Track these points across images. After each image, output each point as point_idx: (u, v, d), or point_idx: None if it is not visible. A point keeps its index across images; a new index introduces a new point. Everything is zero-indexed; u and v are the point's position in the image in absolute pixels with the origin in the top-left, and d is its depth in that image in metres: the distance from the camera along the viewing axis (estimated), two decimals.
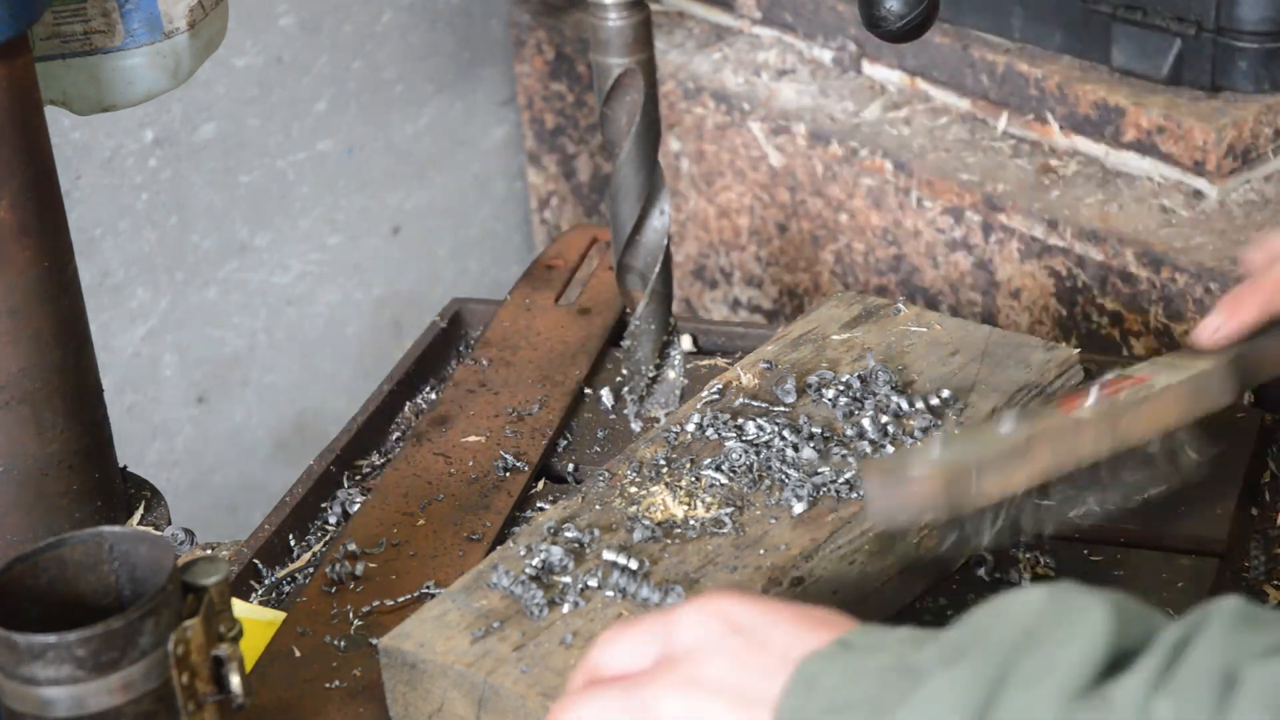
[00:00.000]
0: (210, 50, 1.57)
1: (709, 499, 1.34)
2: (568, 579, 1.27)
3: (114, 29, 1.49)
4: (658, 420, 1.58)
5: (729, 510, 1.33)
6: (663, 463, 1.38)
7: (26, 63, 1.40)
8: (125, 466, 1.60)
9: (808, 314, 1.56)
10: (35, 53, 1.46)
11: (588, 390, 1.64)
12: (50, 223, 1.44)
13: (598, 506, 1.35)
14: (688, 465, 1.37)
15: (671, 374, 1.61)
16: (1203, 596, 1.35)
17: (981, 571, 1.39)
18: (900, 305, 1.54)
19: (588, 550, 1.30)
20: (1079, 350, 1.48)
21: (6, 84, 1.38)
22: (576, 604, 1.25)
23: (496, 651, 1.22)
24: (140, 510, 1.58)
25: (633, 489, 1.36)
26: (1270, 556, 1.43)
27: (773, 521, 1.32)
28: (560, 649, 1.22)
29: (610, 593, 1.26)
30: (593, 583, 1.26)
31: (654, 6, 2.50)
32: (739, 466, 1.37)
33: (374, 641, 1.34)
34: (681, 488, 1.36)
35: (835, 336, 1.52)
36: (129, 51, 1.51)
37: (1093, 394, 1.30)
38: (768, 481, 1.35)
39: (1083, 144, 2.14)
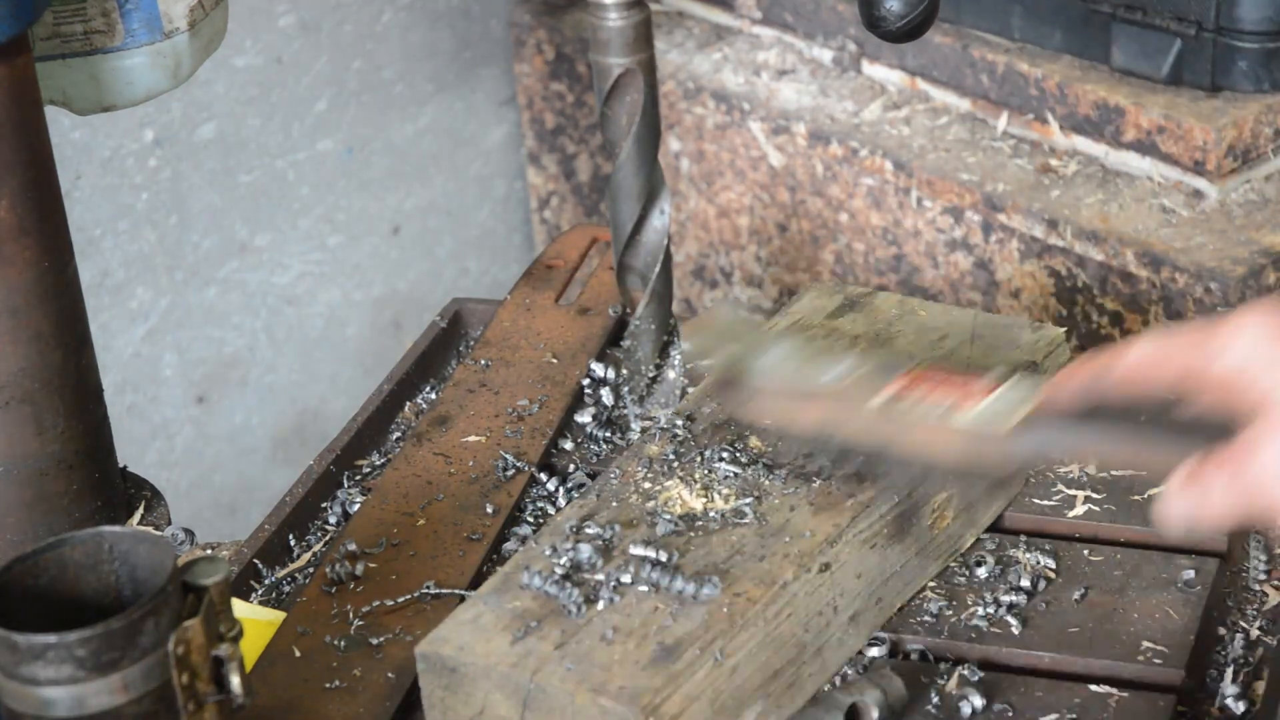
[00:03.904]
0: (210, 50, 1.57)
1: (725, 490, 1.35)
2: (600, 576, 1.28)
3: (114, 29, 1.49)
4: (658, 420, 1.58)
5: (748, 500, 1.34)
6: (672, 457, 1.39)
7: (26, 62, 1.40)
8: (125, 466, 1.60)
9: (789, 306, 1.56)
10: (35, 53, 1.46)
11: (588, 391, 1.64)
12: (50, 223, 1.44)
13: (614, 503, 1.35)
14: (698, 459, 1.38)
15: (671, 374, 1.61)
16: (1203, 597, 1.35)
17: (981, 571, 1.39)
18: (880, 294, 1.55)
19: (613, 547, 1.31)
20: (1065, 329, 1.49)
21: (6, 84, 1.38)
22: (612, 600, 1.25)
23: (539, 651, 1.22)
24: (140, 510, 1.58)
25: (646, 484, 1.36)
26: (1270, 556, 1.43)
27: (792, 510, 1.32)
28: (602, 645, 1.22)
29: (644, 587, 1.26)
30: (625, 578, 1.27)
31: (654, 6, 2.50)
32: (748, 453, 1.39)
33: (374, 641, 1.34)
34: (696, 481, 1.36)
35: (822, 325, 1.52)
36: (129, 51, 1.51)
37: (894, 384, 1.30)
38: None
39: (1083, 144, 2.14)
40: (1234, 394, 1.11)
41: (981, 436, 1.24)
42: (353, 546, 1.44)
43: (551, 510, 1.50)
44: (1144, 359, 1.16)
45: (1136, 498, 1.45)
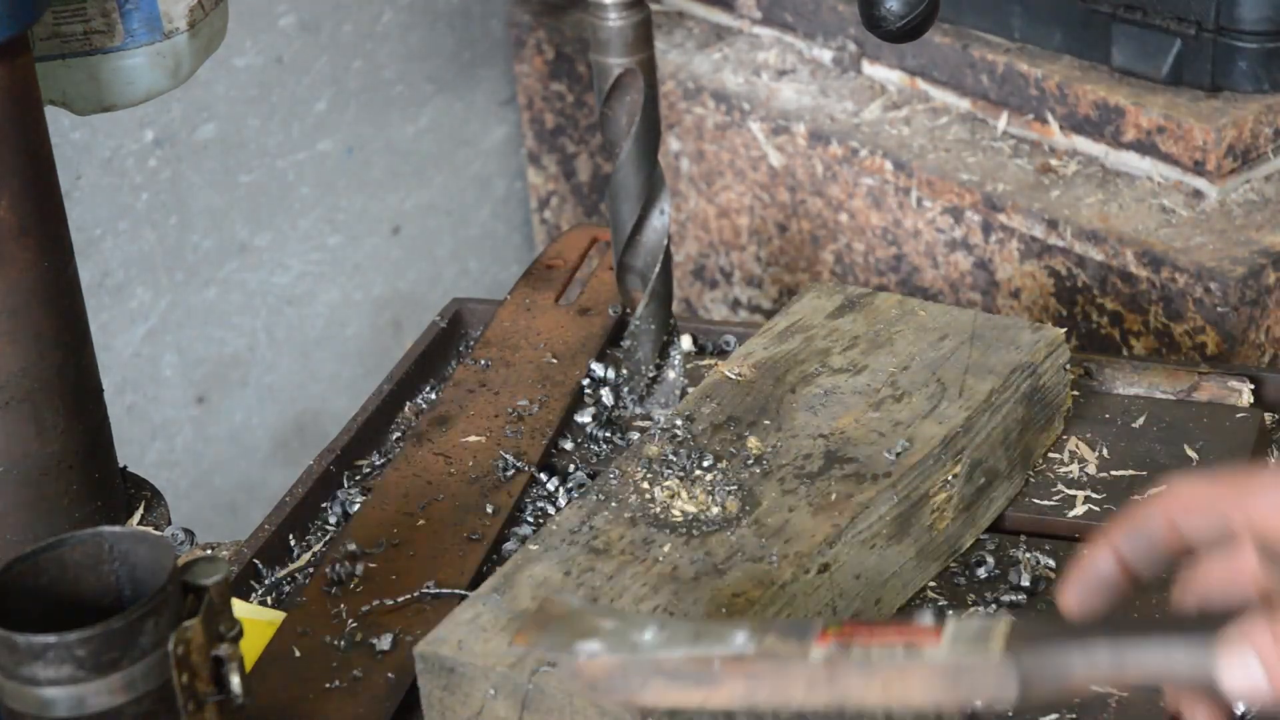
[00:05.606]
0: (210, 50, 1.57)
1: (724, 491, 1.35)
2: (599, 578, 1.28)
3: (114, 29, 1.49)
4: (658, 420, 1.58)
5: (744, 504, 1.34)
6: (672, 458, 1.39)
7: (26, 63, 1.40)
8: (125, 466, 1.60)
9: (789, 306, 1.56)
10: (35, 53, 1.46)
11: (588, 391, 1.64)
12: (50, 223, 1.44)
13: (614, 504, 1.35)
14: (698, 459, 1.38)
15: (671, 374, 1.61)
16: None
17: (981, 571, 1.39)
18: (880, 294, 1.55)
19: (612, 547, 1.31)
20: (1065, 329, 1.49)
21: (6, 84, 1.38)
22: (611, 600, 1.25)
23: (538, 651, 1.22)
24: (140, 510, 1.58)
25: (645, 485, 1.36)
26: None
27: (791, 510, 1.32)
28: None
29: (642, 587, 1.26)
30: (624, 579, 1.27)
31: (654, 6, 2.50)
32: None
33: (373, 642, 1.34)
34: (695, 481, 1.36)
35: (822, 325, 1.53)
36: (129, 51, 1.51)
37: (820, 640, 1.05)
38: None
39: (1083, 144, 2.14)
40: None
41: (966, 669, 1.01)
42: (353, 546, 1.44)
43: (551, 510, 1.51)
44: (1187, 499, 1.04)
45: (1137, 497, 1.45)
